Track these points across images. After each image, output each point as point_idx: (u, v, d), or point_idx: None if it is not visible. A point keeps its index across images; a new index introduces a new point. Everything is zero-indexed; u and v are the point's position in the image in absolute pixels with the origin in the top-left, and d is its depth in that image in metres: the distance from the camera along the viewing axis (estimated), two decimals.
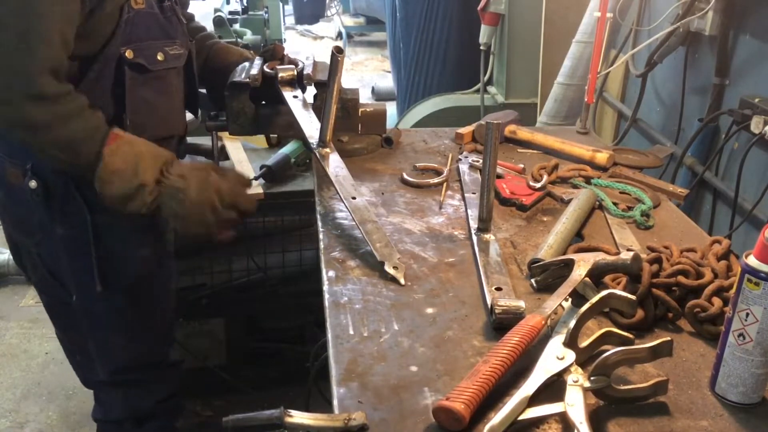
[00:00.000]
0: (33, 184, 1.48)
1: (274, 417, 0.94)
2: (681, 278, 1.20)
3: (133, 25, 1.45)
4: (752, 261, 0.95)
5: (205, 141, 2.22)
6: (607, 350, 1.00)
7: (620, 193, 1.68)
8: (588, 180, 1.72)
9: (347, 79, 7.00)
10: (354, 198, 1.48)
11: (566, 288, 1.18)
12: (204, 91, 1.84)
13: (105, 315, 1.66)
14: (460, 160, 1.82)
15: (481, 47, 3.52)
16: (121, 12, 1.42)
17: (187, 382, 1.94)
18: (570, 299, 1.17)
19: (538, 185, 1.65)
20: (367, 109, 1.85)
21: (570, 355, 1.01)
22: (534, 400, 0.95)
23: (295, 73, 1.74)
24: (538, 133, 1.98)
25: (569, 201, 1.58)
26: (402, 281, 1.28)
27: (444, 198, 1.64)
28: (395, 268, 1.31)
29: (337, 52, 1.57)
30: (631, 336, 1.06)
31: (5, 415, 2.64)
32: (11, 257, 2.04)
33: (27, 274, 1.79)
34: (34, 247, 1.63)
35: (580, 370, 1.00)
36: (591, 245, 1.39)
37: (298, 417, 0.94)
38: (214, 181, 1.49)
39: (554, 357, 1.01)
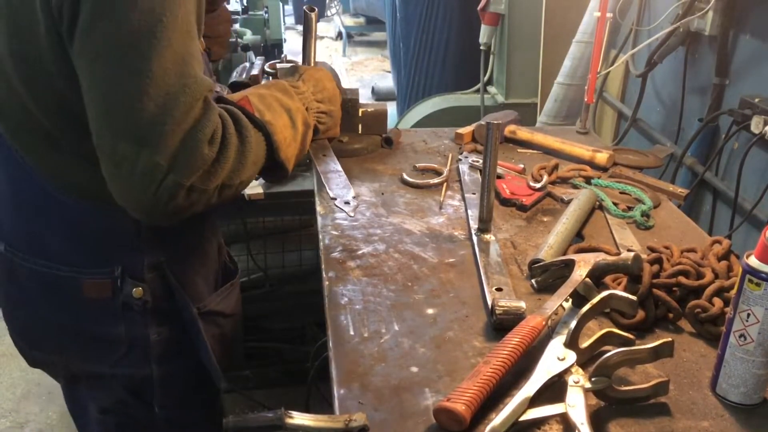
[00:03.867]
0: (138, 291, 1.24)
1: (274, 418, 0.93)
2: (681, 279, 1.20)
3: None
4: (753, 261, 0.95)
5: None
6: (608, 351, 1.00)
7: (620, 193, 1.67)
8: (588, 180, 1.72)
9: (347, 79, 7.00)
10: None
11: (567, 288, 1.18)
12: None
13: (190, 421, 1.46)
14: (460, 160, 1.82)
15: (481, 47, 3.52)
16: None
17: None
18: (570, 300, 1.17)
19: (538, 185, 1.65)
20: (368, 109, 1.85)
21: (571, 356, 1.01)
22: (535, 401, 0.95)
23: None
24: (538, 133, 1.98)
25: (569, 201, 1.58)
26: (352, 214, 1.40)
27: (444, 198, 1.63)
28: (346, 203, 1.42)
29: (309, 11, 1.59)
30: (631, 336, 1.06)
31: (5, 415, 2.64)
32: None
33: (78, 409, 1.46)
34: (109, 368, 1.32)
35: (581, 370, 1.00)
36: (591, 245, 1.39)
37: (298, 418, 0.94)
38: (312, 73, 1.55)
39: (555, 358, 1.01)
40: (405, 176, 1.71)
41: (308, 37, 1.61)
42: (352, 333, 1.14)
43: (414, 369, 1.06)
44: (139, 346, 1.30)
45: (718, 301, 1.16)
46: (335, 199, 1.54)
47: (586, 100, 2.09)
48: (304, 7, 1.60)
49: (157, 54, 1.01)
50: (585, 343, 1.04)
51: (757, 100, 1.83)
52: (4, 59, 1.11)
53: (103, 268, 1.23)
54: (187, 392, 1.42)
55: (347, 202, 1.52)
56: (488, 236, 1.43)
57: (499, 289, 1.23)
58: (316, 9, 1.61)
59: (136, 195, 1.07)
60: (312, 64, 1.65)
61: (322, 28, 9.64)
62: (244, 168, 1.18)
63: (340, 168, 1.71)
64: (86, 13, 1.00)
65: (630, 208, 1.59)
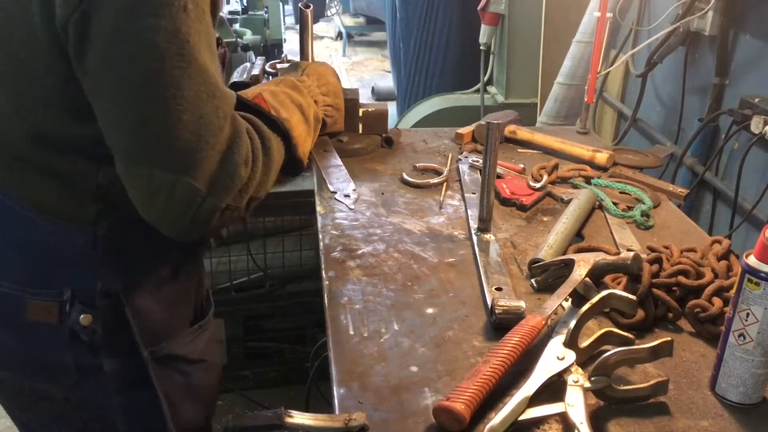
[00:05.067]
0: (86, 319, 1.11)
1: (274, 417, 0.93)
2: (681, 278, 1.20)
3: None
4: (752, 261, 0.95)
5: None
6: (608, 350, 1.00)
7: (620, 193, 1.67)
8: (588, 180, 1.72)
9: (347, 79, 7.00)
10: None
11: (566, 288, 1.18)
12: None
13: None
14: (460, 160, 1.82)
15: (481, 47, 3.52)
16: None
17: None
18: (570, 299, 1.17)
19: (538, 185, 1.65)
20: (369, 109, 1.85)
21: (570, 356, 1.01)
22: (534, 400, 0.95)
23: None
24: (538, 133, 1.98)
25: (569, 201, 1.58)
26: (352, 206, 1.42)
27: (444, 198, 1.63)
28: (346, 196, 1.45)
29: (305, 7, 1.60)
30: (631, 336, 1.06)
31: (5, 414, 2.64)
32: None
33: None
34: (63, 393, 1.21)
35: (580, 370, 1.00)
36: (591, 245, 1.39)
37: (298, 417, 0.94)
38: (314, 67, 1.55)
39: (554, 357, 1.01)
40: (405, 176, 1.71)
41: (305, 34, 1.62)
42: (351, 332, 1.14)
43: (414, 368, 1.06)
44: (91, 375, 1.16)
45: (717, 301, 1.16)
46: (335, 192, 1.55)
47: (586, 100, 2.10)
48: (300, 4, 1.60)
49: (188, 77, 0.96)
50: (584, 343, 1.04)
51: (757, 100, 1.83)
52: None
53: (50, 289, 1.11)
54: (162, 422, 1.22)
55: (347, 195, 1.53)
56: (488, 236, 1.43)
57: (498, 289, 1.24)
58: (311, 5, 1.62)
59: (172, 219, 1.03)
60: (309, 58, 1.66)
61: (323, 28, 9.64)
62: (269, 179, 1.16)
63: (340, 163, 1.72)
64: (104, 36, 0.92)
65: (630, 208, 1.59)
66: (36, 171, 1.08)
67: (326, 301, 1.23)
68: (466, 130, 1.98)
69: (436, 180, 1.70)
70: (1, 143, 1.08)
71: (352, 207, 1.48)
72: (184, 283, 1.27)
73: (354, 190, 1.57)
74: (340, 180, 1.62)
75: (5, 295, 1.13)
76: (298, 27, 1.73)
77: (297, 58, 1.82)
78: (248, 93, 1.27)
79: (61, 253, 1.11)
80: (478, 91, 3.62)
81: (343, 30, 8.94)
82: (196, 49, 0.96)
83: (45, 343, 1.14)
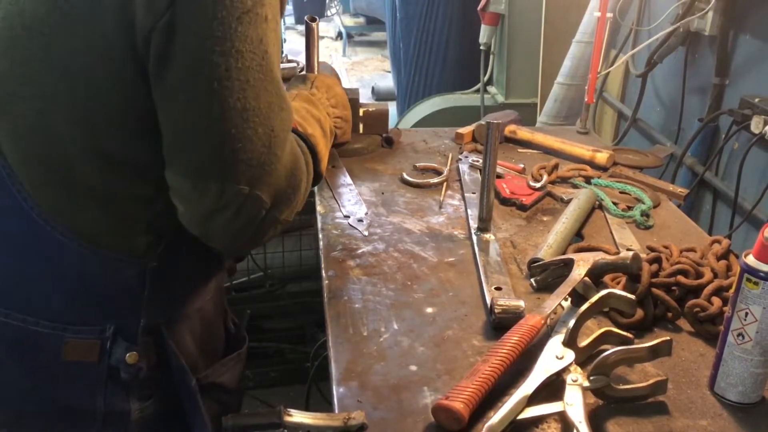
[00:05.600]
0: (132, 357, 1.04)
1: (273, 416, 0.94)
2: (680, 278, 1.20)
3: None
4: (751, 260, 0.96)
5: None
6: (607, 350, 1.00)
7: (620, 193, 1.68)
8: (588, 180, 1.73)
9: (347, 79, 7.00)
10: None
11: (566, 287, 1.18)
12: None
13: None
14: (460, 160, 1.82)
15: (481, 47, 3.52)
16: None
17: None
18: (569, 299, 1.17)
19: (538, 185, 1.65)
20: (370, 109, 1.85)
21: (569, 355, 1.01)
22: (533, 399, 0.95)
23: (296, 72, 1.74)
24: (538, 133, 1.99)
25: (569, 201, 1.58)
26: (365, 233, 1.43)
27: (444, 198, 1.64)
28: (360, 221, 1.46)
29: (311, 20, 1.60)
30: (630, 335, 1.06)
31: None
32: None
33: None
34: None
35: (579, 369, 1.00)
36: (591, 245, 1.40)
37: (297, 416, 0.94)
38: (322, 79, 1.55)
39: (554, 356, 1.01)
40: (405, 176, 1.71)
41: (311, 47, 1.62)
42: (351, 332, 1.14)
43: (413, 368, 1.06)
44: (115, 424, 1.09)
45: (716, 301, 1.16)
46: (348, 217, 1.52)
47: (586, 100, 2.10)
48: (306, 17, 1.61)
49: (265, 89, 0.93)
50: (584, 342, 1.04)
51: (757, 100, 1.83)
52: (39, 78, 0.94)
53: (93, 326, 1.04)
54: None
55: (360, 220, 1.51)
56: (488, 235, 1.43)
57: (498, 288, 1.24)
58: (318, 19, 1.62)
59: (235, 232, 0.99)
60: (315, 71, 1.65)
61: (323, 28, 9.63)
62: (307, 192, 1.13)
63: (350, 180, 1.69)
64: (189, 46, 0.87)
65: (630, 208, 1.59)
66: (89, 198, 1.00)
67: (326, 301, 1.23)
68: (466, 130, 1.98)
69: (436, 180, 1.70)
70: (53, 167, 0.98)
71: (366, 233, 1.45)
72: (213, 313, 1.26)
73: (366, 213, 1.54)
74: (351, 202, 1.58)
75: (40, 335, 1.03)
76: (298, 27, 1.73)
77: (298, 58, 1.82)
78: None
79: (106, 288, 1.04)
80: (478, 91, 3.62)
81: (343, 30, 8.94)
82: (272, 60, 0.94)
83: (76, 387, 1.06)
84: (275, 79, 0.95)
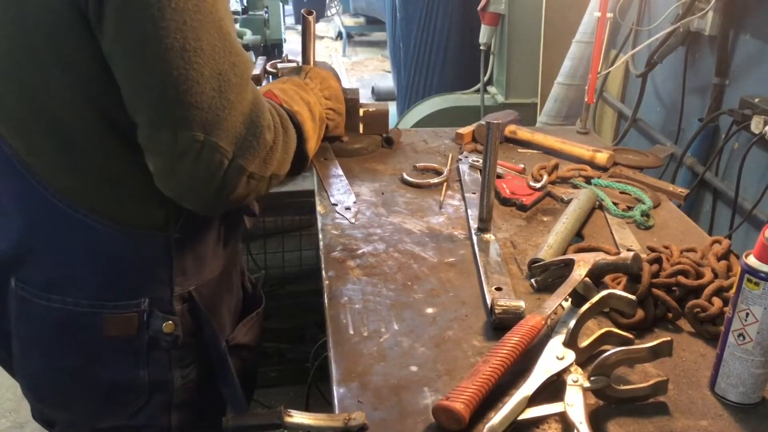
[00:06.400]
0: (169, 326, 1.12)
1: (274, 416, 0.94)
2: (681, 278, 1.20)
3: None
4: (752, 261, 0.95)
5: None
6: (607, 350, 1.00)
7: (620, 193, 1.68)
8: (588, 180, 1.73)
9: (347, 79, 7.01)
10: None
11: (566, 288, 1.18)
12: None
13: None
14: (460, 160, 1.82)
15: (481, 47, 3.52)
16: None
17: None
18: (570, 299, 1.17)
19: (538, 185, 1.65)
20: (370, 109, 1.85)
21: (570, 355, 1.01)
22: (534, 400, 0.95)
23: None
24: (538, 133, 1.98)
25: (569, 201, 1.58)
26: (353, 220, 1.44)
27: (444, 198, 1.64)
28: (347, 209, 1.47)
29: (307, 14, 1.60)
30: (631, 336, 1.06)
31: (5, 415, 2.64)
32: None
33: None
34: (125, 421, 1.17)
35: (579, 369, 1.00)
36: (591, 245, 1.40)
37: (298, 417, 0.94)
38: (316, 71, 1.54)
39: (554, 357, 1.01)
40: (405, 176, 1.71)
41: (307, 40, 1.63)
42: (351, 332, 1.14)
43: (413, 368, 1.06)
44: (160, 392, 1.16)
45: (717, 301, 1.16)
46: (336, 204, 1.55)
47: (586, 100, 2.10)
48: (302, 11, 1.61)
49: (205, 30, 0.93)
50: (584, 343, 1.04)
51: (757, 100, 1.83)
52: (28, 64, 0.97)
53: (129, 300, 1.10)
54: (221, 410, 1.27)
55: (348, 208, 1.53)
56: (488, 236, 1.43)
57: (498, 289, 1.24)
58: (314, 12, 1.62)
59: (200, 184, 1.00)
60: (311, 64, 1.66)
61: (323, 28, 9.64)
62: (287, 158, 1.14)
63: (341, 172, 1.71)
64: None
65: (630, 208, 1.59)
66: (99, 178, 1.04)
67: (326, 301, 1.23)
68: (466, 130, 1.98)
69: (436, 180, 1.70)
70: (57, 136, 1.01)
71: (353, 221, 1.48)
72: (233, 275, 1.32)
73: (354, 202, 1.56)
74: (341, 192, 1.62)
75: (81, 314, 1.09)
76: (298, 27, 1.74)
77: (298, 58, 1.82)
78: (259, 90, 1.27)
79: (136, 263, 1.10)
80: (478, 91, 3.62)
81: (343, 30, 8.95)
82: (214, 5, 0.94)
83: (121, 362, 1.13)
84: (218, 23, 0.95)
